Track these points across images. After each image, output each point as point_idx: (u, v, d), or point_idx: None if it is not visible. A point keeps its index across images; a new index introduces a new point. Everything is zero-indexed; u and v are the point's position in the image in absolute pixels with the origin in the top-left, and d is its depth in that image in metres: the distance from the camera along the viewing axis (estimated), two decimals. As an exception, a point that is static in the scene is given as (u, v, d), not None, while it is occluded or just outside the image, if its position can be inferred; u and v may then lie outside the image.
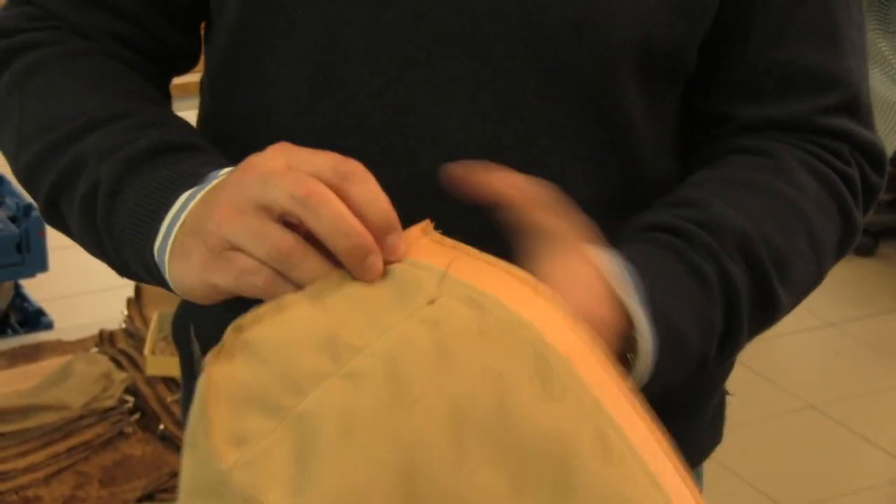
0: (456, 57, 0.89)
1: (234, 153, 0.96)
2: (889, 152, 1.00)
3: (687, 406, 1.03)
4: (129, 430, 2.11)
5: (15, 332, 2.61)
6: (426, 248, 0.77)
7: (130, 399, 2.14)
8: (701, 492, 0.89)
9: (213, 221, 0.76)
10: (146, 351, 2.18)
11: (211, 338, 0.76)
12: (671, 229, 0.87)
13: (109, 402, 2.11)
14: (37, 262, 2.51)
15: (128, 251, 0.86)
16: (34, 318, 2.68)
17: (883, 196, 1.02)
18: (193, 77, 1.04)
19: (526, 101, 0.90)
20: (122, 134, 0.88)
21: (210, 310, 0.82)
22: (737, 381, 1.13)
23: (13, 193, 2.62)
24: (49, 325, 2.65)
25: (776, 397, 3.19)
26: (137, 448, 2.08)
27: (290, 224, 0.75)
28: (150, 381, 2.18)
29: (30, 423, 2.05)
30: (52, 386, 2.12)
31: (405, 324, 0.72)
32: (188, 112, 1.10)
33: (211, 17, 0.99)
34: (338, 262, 0.74)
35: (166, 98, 0.99)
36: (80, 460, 2.05)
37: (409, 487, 0.68)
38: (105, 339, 2.35)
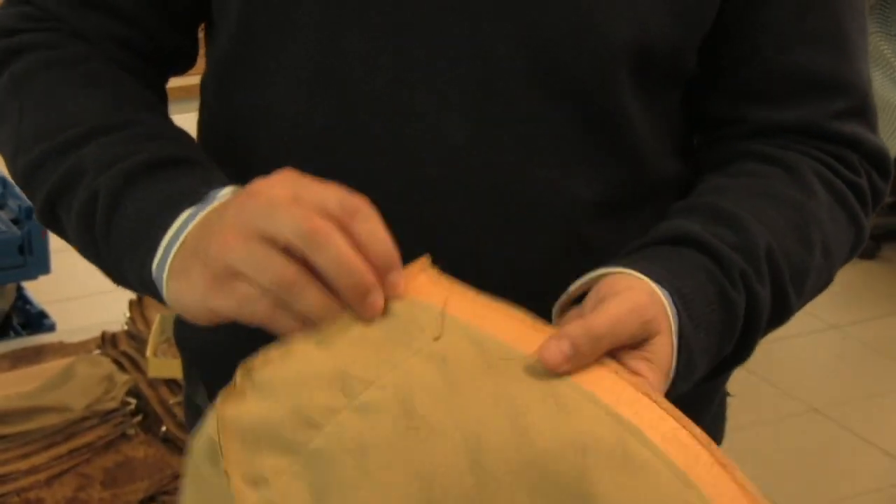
0: (456, 58, 0.89)
1: (235, 154, 0.97)
2: (891, 155, 1.01)
3: (687, 407, 1.03)
4: (131, 431, 2.11)
5: (17, 334, 2.61)
6: (424, 286, 0.77)
7: (132, 401, 2.14)
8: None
9: (216, 246, 0.76)
10: (148, 353, 2.18)
11: (206, 350, 0.75)
12: (707, 250, 0.87)
13: (111, 404, 2.11)
14: (39, 264, 2.50)
15: (125, 264, 0.86)
16: (36, 320, 2.67)
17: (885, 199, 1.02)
18: (193, 78, 1.04)
19: (525, 102, 0.90)
20: (121, 145, 0.88)
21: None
22: (738, 385, 1.13)
23: (16, 196, 2.61)
24: (51, 327, 2.65)
25: (778, 400, 3.19)
26: (139, 450, 2.08)
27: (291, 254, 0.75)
28: (153, 383, 2.18)
29: (32, 424, 2.05)
30: (54, 388, 2.12)
31: (413, 359, 0.73)
32: (188, 113, 1.10)
33: (211, 19, 0.99)
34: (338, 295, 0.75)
35: (163, 100, 0.99)
36: (82, 462, 2.04)
37: None
38: (107, 341, 2.35)
